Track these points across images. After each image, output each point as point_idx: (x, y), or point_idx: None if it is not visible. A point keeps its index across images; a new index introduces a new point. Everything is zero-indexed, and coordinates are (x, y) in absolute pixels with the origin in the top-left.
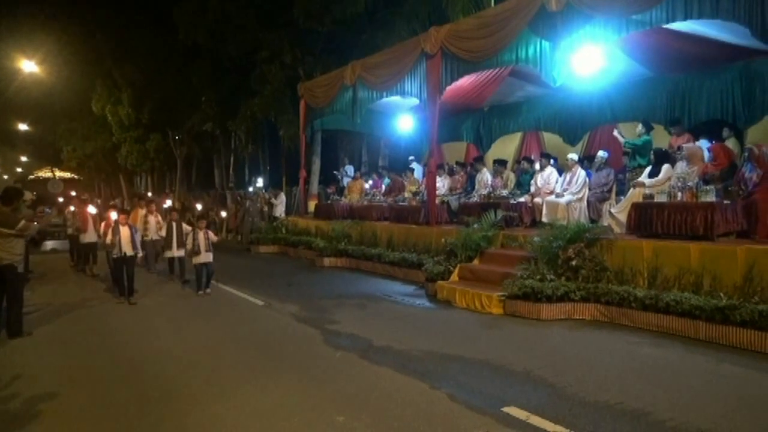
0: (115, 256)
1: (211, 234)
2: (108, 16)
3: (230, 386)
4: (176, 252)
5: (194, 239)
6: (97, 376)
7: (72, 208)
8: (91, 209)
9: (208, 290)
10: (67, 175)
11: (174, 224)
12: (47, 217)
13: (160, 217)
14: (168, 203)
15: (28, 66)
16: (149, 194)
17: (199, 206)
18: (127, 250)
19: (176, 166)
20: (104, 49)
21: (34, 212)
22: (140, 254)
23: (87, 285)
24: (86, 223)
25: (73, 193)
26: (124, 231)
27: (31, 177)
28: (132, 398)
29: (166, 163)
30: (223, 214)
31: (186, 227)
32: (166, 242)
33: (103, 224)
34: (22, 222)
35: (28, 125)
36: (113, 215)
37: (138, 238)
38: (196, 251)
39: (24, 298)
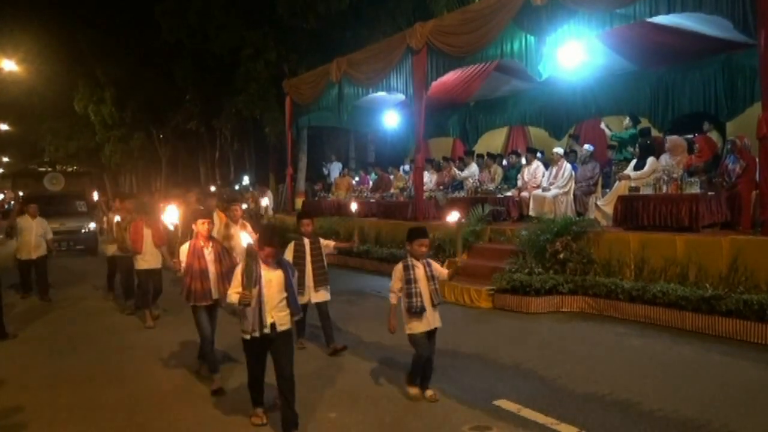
0: (249, 336)
1: (437, 267)
2: (89, 14)
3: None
4: (314, 294)
5: (411, 280)
6: (84, 378)
7: (117, 219)
8: (170, 218)
9: (431, 392)
10: (70, 168)
11: (307, 243)
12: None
13: (249, 227)
14: (265, 201)
15: (8, 65)
16: (210, 188)
17: (265, 201)
18: (278, 318)
19: (161, 164)
20: (86, 47)
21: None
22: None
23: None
24: (140, 241)
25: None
26: (275, 278)
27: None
28: (120, 399)
29: (151, 161)
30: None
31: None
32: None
33: (185, 249)
34: None
35: (8, 125)
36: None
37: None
38: (414, 308)
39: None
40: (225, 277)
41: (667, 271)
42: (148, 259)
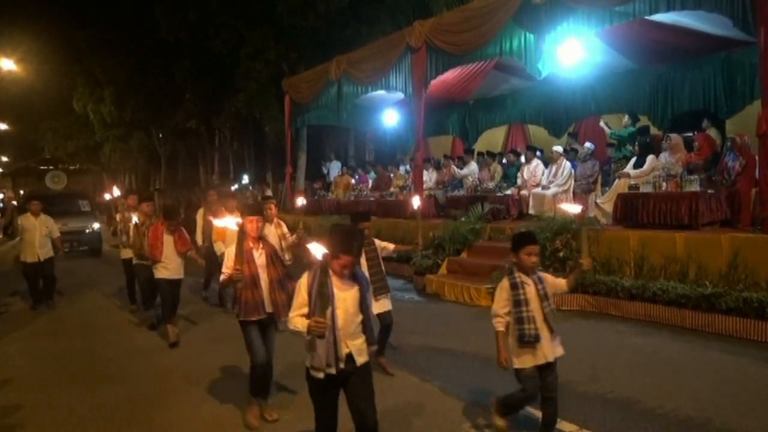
0: (324, 374)
1: (551, 281)
2: (88, 13)
3: (221, 384)
4: (375, 305)
5: (521, 302)
6: (83, 378)
7: (135, 219)
8: (229, 222)
9: None
10: (73, 165)
11: (364, 252)
12: None
13: (284, 227)
14: (301, 201)
15: (7, 64)
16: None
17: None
18: (354, 348)
19: (160, 163)
20: (85, 46)
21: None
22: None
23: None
24: (159, 247)
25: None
26: (350, 296)
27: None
28: (120, 399)
29: (150, 161)
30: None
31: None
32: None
33: (232, 253)
34: None
35: (7, 124)
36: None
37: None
38: (527, 337)
39: None
40: (279, 284)
41: (666, 269)
42: (171, 267)
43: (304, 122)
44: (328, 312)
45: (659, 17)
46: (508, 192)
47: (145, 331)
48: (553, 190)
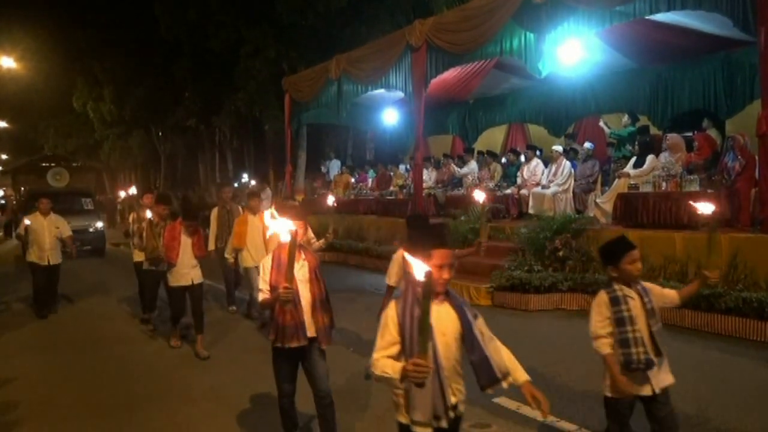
0: (432, 428)
1: (658, 293)
2: (88, 12)
3: (220, 382)
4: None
5: (625, 320)
6: (84, 377)
7: (149, 215)
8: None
9: None
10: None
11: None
12: None
13: (310, 231)
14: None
15: (6, 62)
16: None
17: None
18: (458, 393)
19: (160, 162)
20: (84, 45)
21: None
22: None
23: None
24: (176, 249)
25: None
26: (450, 325)
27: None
28: (121, 397)
29: (150, 159)
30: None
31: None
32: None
33: (268, 264)
34: None
35: (6, 122)
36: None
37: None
38: (636, 362)
39: None
40: (321, 304)
41: (666, 269)
42: (184, 272)
43: (303, 121)
44: (430, 350)
45: (659, 17)
46: (508, 191)
47: (149, 334)
48: (552, 189)
